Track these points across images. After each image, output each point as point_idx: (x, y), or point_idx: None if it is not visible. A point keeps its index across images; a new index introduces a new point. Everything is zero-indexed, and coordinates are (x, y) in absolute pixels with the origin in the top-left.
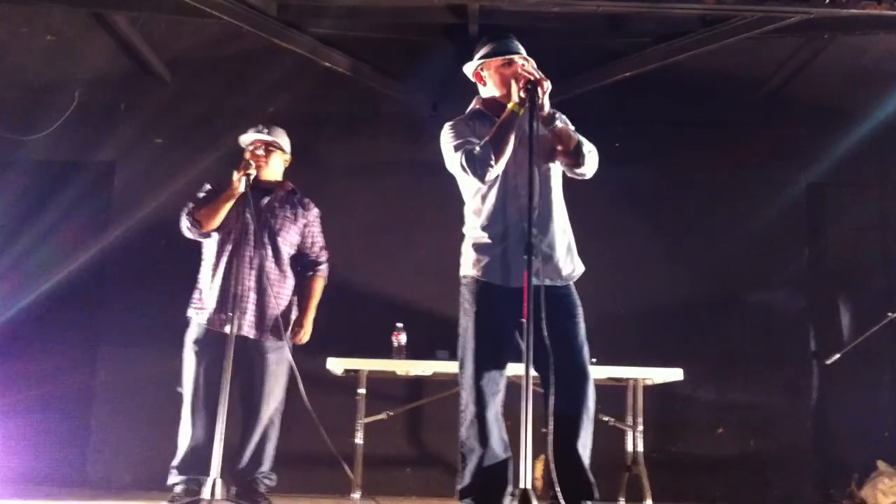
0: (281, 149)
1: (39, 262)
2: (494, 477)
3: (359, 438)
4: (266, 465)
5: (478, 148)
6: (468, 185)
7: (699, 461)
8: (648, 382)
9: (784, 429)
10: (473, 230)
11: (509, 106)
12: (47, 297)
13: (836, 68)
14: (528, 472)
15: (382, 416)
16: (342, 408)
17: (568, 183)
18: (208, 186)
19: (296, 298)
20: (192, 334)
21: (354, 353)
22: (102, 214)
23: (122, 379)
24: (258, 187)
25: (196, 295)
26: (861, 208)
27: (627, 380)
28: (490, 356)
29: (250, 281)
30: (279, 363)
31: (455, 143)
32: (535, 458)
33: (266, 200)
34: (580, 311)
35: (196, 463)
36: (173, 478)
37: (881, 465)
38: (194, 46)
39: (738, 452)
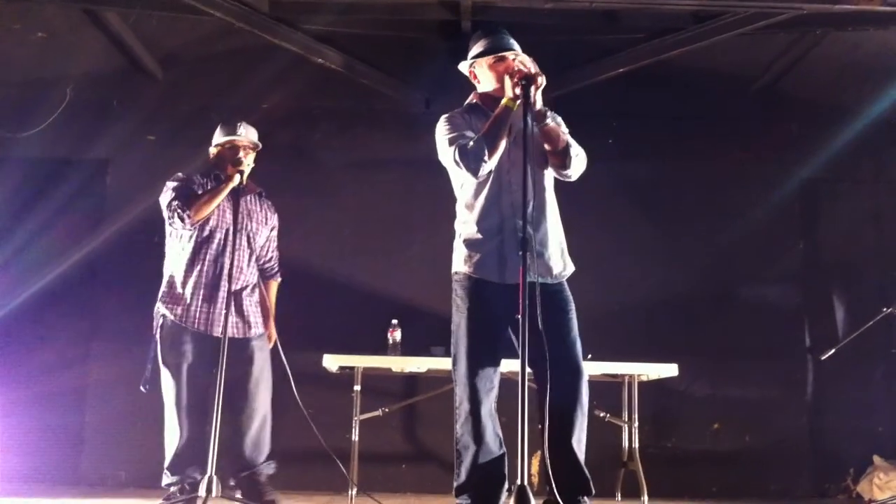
0: (257, 149)
1: (32, 260)
2: (490, 473)
3: (354, 435)
4: (265, 453)
5: (471, 142)
6: (461, 180)
7: (695, 456)
8: (643, 378)
9: (779, 424)
10: (466, 226)
11: (503, 101)
12: (40, 294)
13: (828, 64)
14: (525, 468)
15: (378, 412)
16: (338, 404)
17: (561, 180)
18: (181, 175)
19: None
20: (168, 334)
21: (349, 350)
22: (95, 212)
23: (115, 376)
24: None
25: (165, 289)
26: (855, 203)
27: (623, 375)
28: (483, 353)
29: (229, 281)
30: (262, 350)
31: (449, 136)
32: (531, 454)
33: (242, 201)
34: (573, 307)
35: (188, 461)
36: (167, 479)
37: (877, 459)
38: (187, 43)
39: (733, 447)
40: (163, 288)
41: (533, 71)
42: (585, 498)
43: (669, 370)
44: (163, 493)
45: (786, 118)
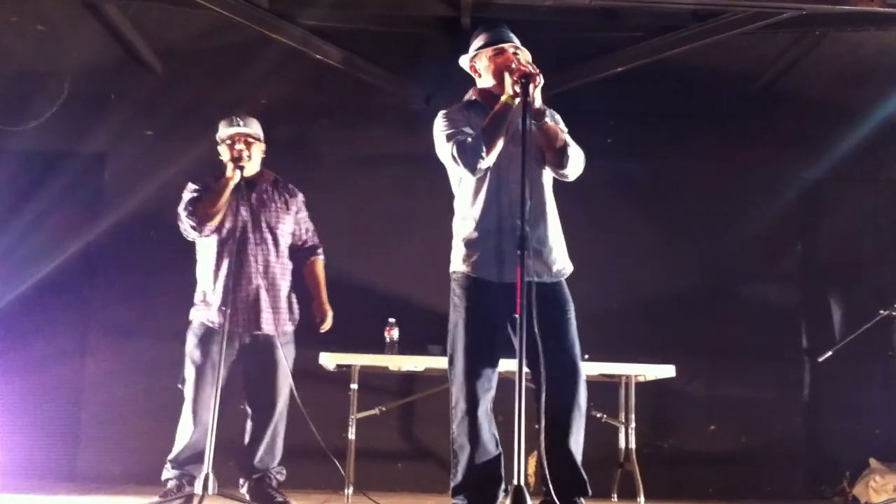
0: (259, 140)
1: (29, 254)
2: (487, 474)
3: (351, 433)
4: (278, 458)
5: (469, 139)
6: (458, 177)
7: (691, 457)
8: (641, 379)
9: (776, 425)
10: (464, 224)
11: (503, 98)
12: (37, 288)
13: (828, 64)
14: (522, 469)
15: (375, 411)
16: (335, 402)
17: (559, 179)
18: (194, 186)
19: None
20: (196, 333)
21: (347, 348)
22: (93, 205)
23: (112, 371)
24: (244, 183)
25: (198, 297)
26: (854, 204)
27: (620, 376)
28: (480, 352)
29: (258, 278)
30: (288, 356)
31: (447, 132)
32: (528, 454)
33: (255, 194)
34: (571, 307)
35: (192, 459)
36: (167, 472)
37: (873, 462)
38: (186, 36)
39: (730, 449)
40: (196, 296)
41: (531, 69)
42: (582, 499)
43: (667, 371)
44: (158, 490)
45: (785, 118)
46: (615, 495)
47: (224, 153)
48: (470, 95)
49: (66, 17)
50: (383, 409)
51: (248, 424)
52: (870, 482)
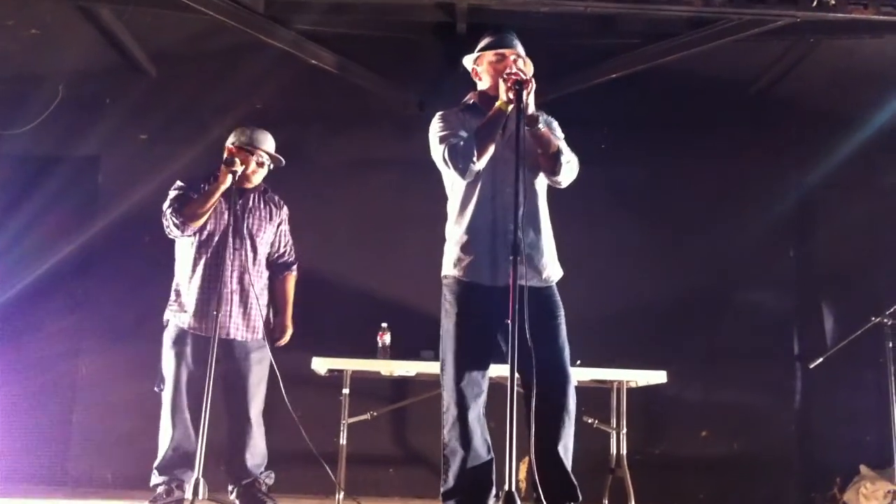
0: (272, 161)
1: (23, 257)
2: (478, 479)
3: (342, 438)
4: (264, 463)
5: (461, 142)
6: (451, 180)
7: (683, 463)
8: (632, 385)
9: (768, 432)
10: (456, 228)
11: (497, 103)
12: (31, 291)
13: (823, 71)
14: (513, 474)
15: (366, 416)
16: (326, 407)
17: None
18: (181, 183)
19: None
20: (170, 336)
21: (338, 352)
22: (86, 209)
23: (104, 375)
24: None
25: (172, 297)
26: (847, 210)
27: (611, 382)
28: (472, 358)
29: (233, 283)
30: (262, 362)
31: (441, 134)
32: (519, 459)
33: (242, 201)
34: (562, 312)
35: (178, 463)
36: (155, 478)
37: (863, 469)
38: (180, 40)
39: (721, 455)
40: (171, 296)
41: (525, 77)
42: None
43: (658, 377)
44: (149, 495)
45: (779, 125)
46: (606, 501)
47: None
48: (469, 98)
49: (60, 21)
50: (375, 414)
51: (227, 429)
52: (860, 489)
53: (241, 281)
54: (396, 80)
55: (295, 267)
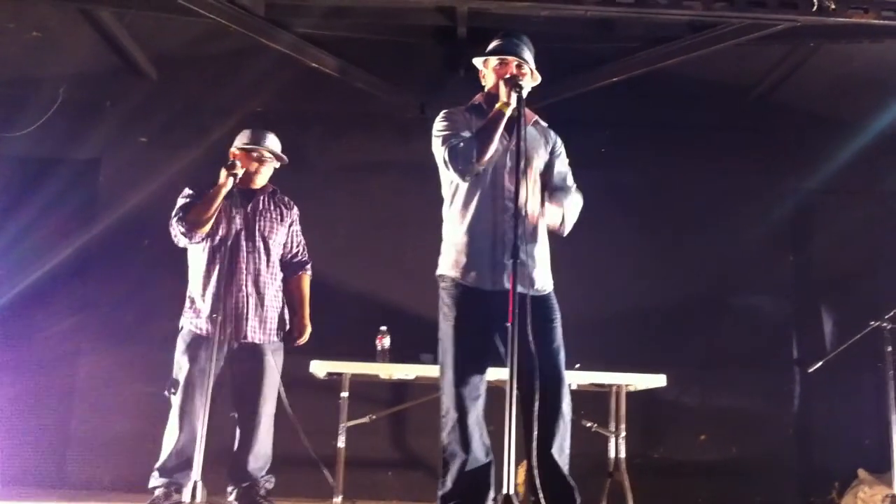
0: (276, 160)
1: (23, 259)
2: (476, 482)
3: (341, 441)
4: (267, 466)
5: (462, 143)
6: (450, 181)
7: (681, 467)
8: (631, 388)
9: (766, 436)
10: (456, 230)
11: (497, 105)
12: (29, 293)
13: (823, 75)
14: (511, 478)
15: (365, 419)
16: (325, 411)
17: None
18: (189, 191)
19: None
20: (185, 340)
21: (338, 356)
22: (86, 211)
23: (103, 377)
24: (242, 191)
25: (187, 304)
26: (847, 215)
27: (610, 385)
28: (471, 361)
29: (248, 286)
30: (276, 364)
31: (443, 134)
32: (517, 463)
33: (252, 203)
34: (558, 316)
35: (179, 466)
36: (154, 480)
37: (862, 473)
38: (180, 44)
39: (720, 459)
40: (186, 303)
41: (515, 72)
42: None
43: (657, 381)
44: (147, 497)
45: (779, 129)
46: None
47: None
48: (476, 99)
49: (61, 24)
50: (374, 417)
51: (237, 431)
52: (858, 493)
53: (255, 284)
54: (397, 84)
55: (309, 266)
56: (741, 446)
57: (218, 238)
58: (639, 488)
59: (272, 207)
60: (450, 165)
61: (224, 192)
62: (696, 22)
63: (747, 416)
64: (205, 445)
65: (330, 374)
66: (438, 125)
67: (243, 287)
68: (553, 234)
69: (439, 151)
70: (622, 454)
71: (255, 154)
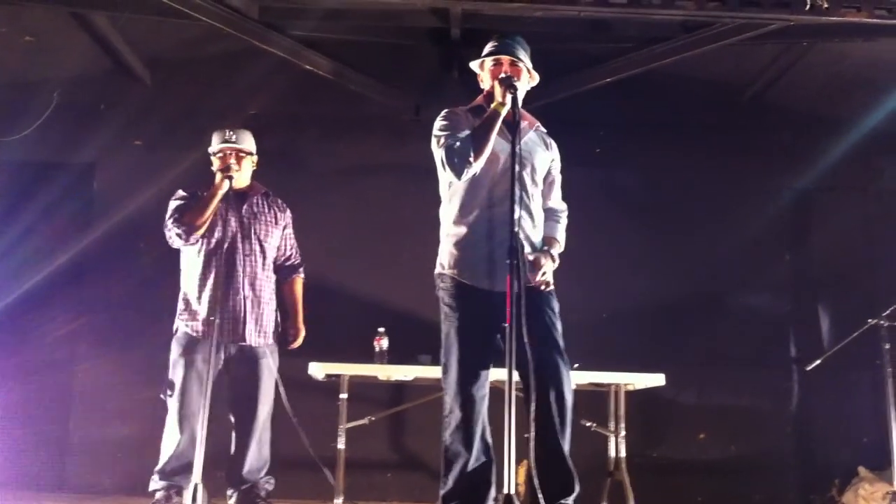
0: (251, 153)
1: (19, 264)
2: (478, 482)
3: (341, 443)
4: (266, 468)
5: (458, 143)
6: (449, 181)
7: (681, 466)
8: (630, 388)
9: (765, 434)
10: (455, 229)
11: (492, 105)
12: (26, 298)
13: (816, 74)
14: (512, 477)
15: (364, 420)
16: (324, 412)
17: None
18: (182, 192)
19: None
20: (180, 343)
21: (336, 357)
22: (82, 216)
23: (101, 381)
24: (234, 192)
25: (182, 306)
26: (843, 213)
27: (609, 385)
28: (473, 360)
29: (245, 289)
30: (272, 367)
31: (442, 134)
32: (517, 463)
33: (246, 206)
34: (556, 308)
35: (180, 469)
36: (155, 483)
37: (862, 470)
38: (174, 47)
39: (719, 457)
40: (179, 305)
41: (508, 71)
42: (569, 499)
43: (657, 380)
44: (147, 501)
45: (774, 128)
46: None
47: (215, 164)
48: (478, 100)
49: (55, 28)
50: (373, 418)
51: (233, 434)
52: (859, 490)
53: (252, 286)
54: (392, 86)
55: (302, 269)
56: (740, 444)
57: (213, 240)
58: (639, 487)
59: (266, 210)
60: (446, 165)
61: (220, 194)
62: (689, 22)
63: (746, 415)
64: (204, 448)
65: (329, 376)
66: (438, 125)
67: (240, 290)
68: None
69: (437, 151)
70: (622, 453)
71: (230, 153)
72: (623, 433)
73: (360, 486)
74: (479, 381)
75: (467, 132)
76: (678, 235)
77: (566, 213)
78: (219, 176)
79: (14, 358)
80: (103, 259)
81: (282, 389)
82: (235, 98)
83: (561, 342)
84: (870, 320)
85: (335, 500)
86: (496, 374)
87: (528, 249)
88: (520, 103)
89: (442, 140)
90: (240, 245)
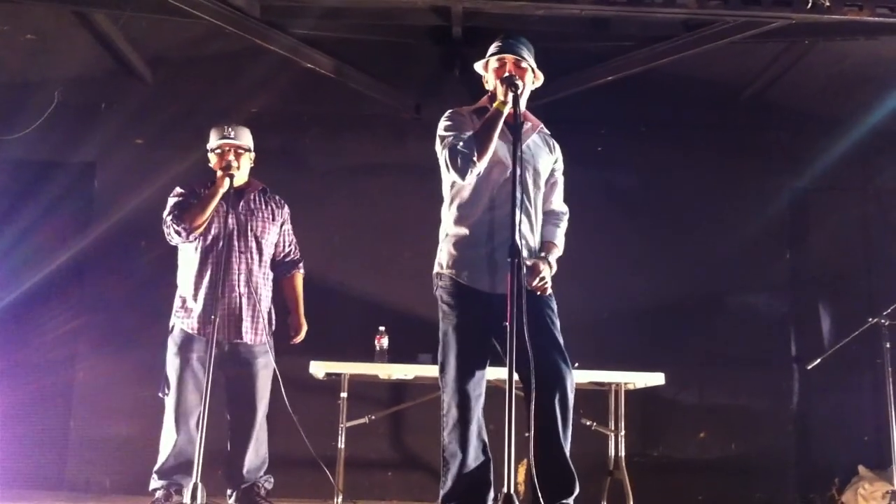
0: (249, 150)
1: (19, 263)
2: (477, 481)
3: (341, 442)
4: (264, 467)
5: (461, 143)
6: (452, 181)
7: (681, 465)
8: (630, 387)
9: (766, 433)
10: (455, 229)
11: (494, 104)
12: (27, 297)
13: (817, 73)
14: (512, 476)
15: (364, 419)
16: (324, 411)
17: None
18: (180, 189)
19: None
20: (176, 341)
21: (336, 356)
22: (83, 214)
23: (101, 380)
24: (231, 190)
25: (178, 303)
26: (843, 212)
27: (609, 384)
28: (471, 360)
29: (241, 286)
30: (267, 366)
31: (445, 135)
32: (517, 462)
33: (243, 203)
34: (555, 307)
35: (178, 468)
36: (154, 482)
37: (862, 469)
38: (176, 46)
39: (720, 456)
40: (176, 302)
41: (511, 72)
42: (570, 499)
43: (656, 379)
44: (147, 500)
45: (775, 127)
46: (604, 503)
47: (213, 161)
48: (483, 101)
49: (56, 27)
50: (373, 417)
51: (229, 433)
52: (859, 489)
53: (248, 283)
54: (393, 84)
55: (301, 264)
56: (741, 443)
57: (210, 237)
58: (639, 486)
59: (263, 206)
60: (450, 166)
61: (221, 192)
62: (690, 20)
63: (746, 414)
64: (203, 446)
65: (329, 375)
66: (442, 125)
67: (236, 287)
68: None
69: (441, 152)
70: (622, 452)
71: (228, 150)
72: (623, 432)
73: (361, 484)
74: (476, 381)
75: (469, 133)
76: (678, 235)
77: (567, 217)
78: (219, 174)
79: (14, 357)
80: (103, 259)
81: (281, 387)
82: (237, 97)
83: (561, 341)
84: (870, 319)
85: (335, 499)
86: (496, 373)
87: (525, 254)
88: (524, 103)
89: (446, 140)
90: (236, 242)
